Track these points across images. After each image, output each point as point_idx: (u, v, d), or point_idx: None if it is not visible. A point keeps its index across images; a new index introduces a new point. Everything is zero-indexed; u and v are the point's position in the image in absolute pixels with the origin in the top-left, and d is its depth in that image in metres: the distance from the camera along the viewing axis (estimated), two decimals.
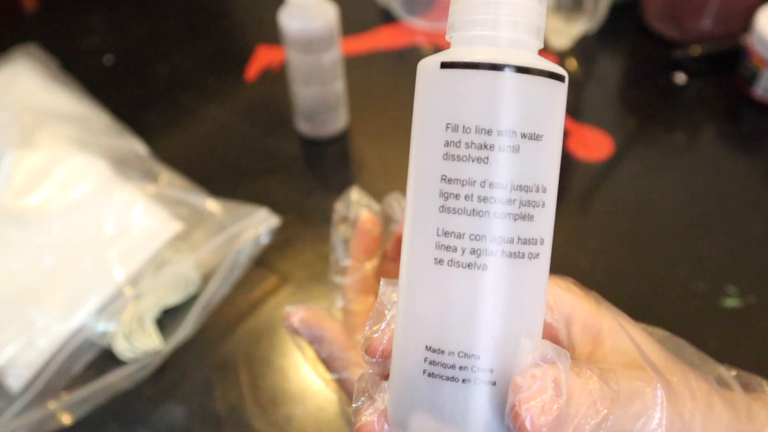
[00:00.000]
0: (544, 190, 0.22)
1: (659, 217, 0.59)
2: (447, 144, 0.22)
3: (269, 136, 0.67)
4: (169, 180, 0.59)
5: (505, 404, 0.22)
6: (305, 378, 0.50)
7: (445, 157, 0.22)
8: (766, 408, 0.30)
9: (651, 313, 0.52)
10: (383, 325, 0.25)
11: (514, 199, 0.22)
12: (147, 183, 0.57)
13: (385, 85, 0.71)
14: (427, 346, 0.23)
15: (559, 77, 0.23)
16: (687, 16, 0.72)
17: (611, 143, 0.65)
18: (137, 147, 0.64)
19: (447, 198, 0.22)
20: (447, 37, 0.24)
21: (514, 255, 0.22)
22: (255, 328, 0.53)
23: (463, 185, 0.22)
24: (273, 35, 0.71)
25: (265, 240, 0.55)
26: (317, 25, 0.57)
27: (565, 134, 0.66)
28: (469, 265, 0.22)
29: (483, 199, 0.22)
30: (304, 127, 0.66)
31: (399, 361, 0.24)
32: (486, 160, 0.22)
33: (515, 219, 0.22)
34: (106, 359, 0.51)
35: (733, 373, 0.32)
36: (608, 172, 0.63)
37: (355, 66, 0.70)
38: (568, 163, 0.63)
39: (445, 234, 0.22)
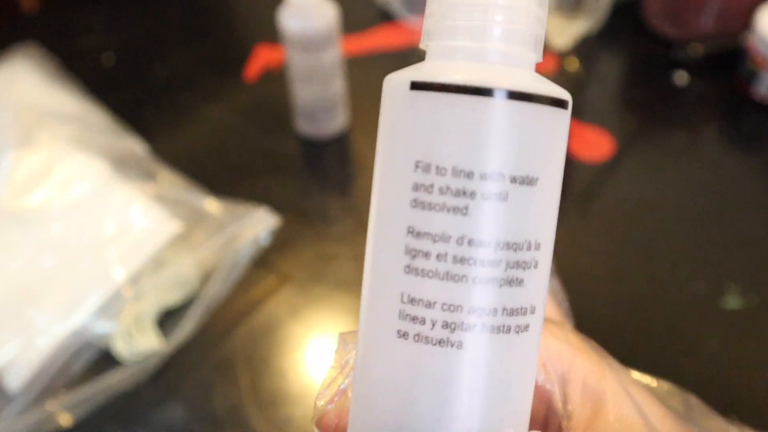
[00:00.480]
0: (538, 247, 0.18)
1: (660, 217, 0.59)
2: (416, 188, 0.17)
3: (269, 136, 0.67)
4: (169, 180, 0.59)
5: None
6: (305, 379, 0.50)
7: (413, 204, 0.17)
8: None
9: (651, 313, 0.52)
10: (336, 395, 0.21)
11: (500, 260, 0.17)
12: (146, 183, 0.57)
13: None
14: None
15: (562, 104, 0.18)
16: (688, 15, 0.72)
17: (612, 143, 0.65)
18: (137, 147, 0.63)
19: (414, 256, 0.17)
20: (422, 45, 0.20)
21: (497, 329, 0.18)
22: (254, 329, 0.53)
23: (435, 241, 0.17)
24: (273, 35, 0.70)
25: (264, 240, 0.55)
26: (317, 24, 0.57)
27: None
28: (440, 342, 0.17)
29: (460, 260, 0.17)
30: (303, 126, 0.65)
31: None
32: (465, 211, 0.17)
33: (500, 285, 0.17)
34: (106, 360, 0.51)
35: None
36: (609, 171, 0.63)
37: (355, 66, 0.70)
38: (568, 163, 0.63)
39: (411, 301, 0.18)
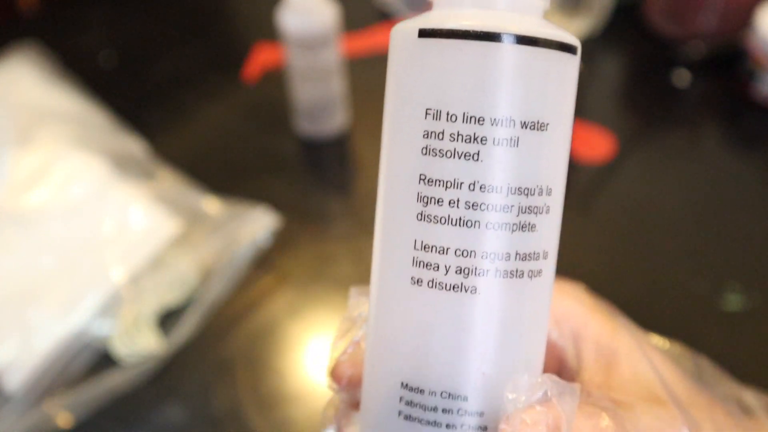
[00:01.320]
0: (549, 192, 0.19)
1: (660, 217, 0.59)
2: (427, 135, 0.17)
3: (269, 135, 0.67)
4: (168, 180, 0.59)
5: None
6: (304, 379, 0.50)
7: (424, 151, 0.17)
8: None
9: (652, 314, 0.52)
10: (351, 346, 0.22)
11: (512, 205, 0.17)
12: (146, 183, 0.57)
13: (385, 85, 0.71)
14: (403, 384, 0.18)
15: (570, 49, 0.18)
16: (689, 14, 0.72)
17: (613, 143, 0.65)
18: (136, 146, 0.63)
19: (427, 203, 0.17)
20: None
21: (510, 274, 0.18)
22: (254, 329, 0.53)
23: (447, 188, 0.17)
24: (272, 34, 0.70)
25: (264, 240, 0.55)
26: (316, 23, 0.57)
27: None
28: (454, 287, 0.18)
29: (473, 206, 0.17)
30: (303, 125, 0.65)
31: (370, 397, 0.19)
32: (476, 157, 0.17)
33: (513, 230, 0.18)
34: (105, 360, 0.50)
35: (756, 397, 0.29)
36: (610, 171, 0.63)
37: (355, 66, 0.70)
38: (569, 163, 0.63)
39: (425, 248, 0.18)
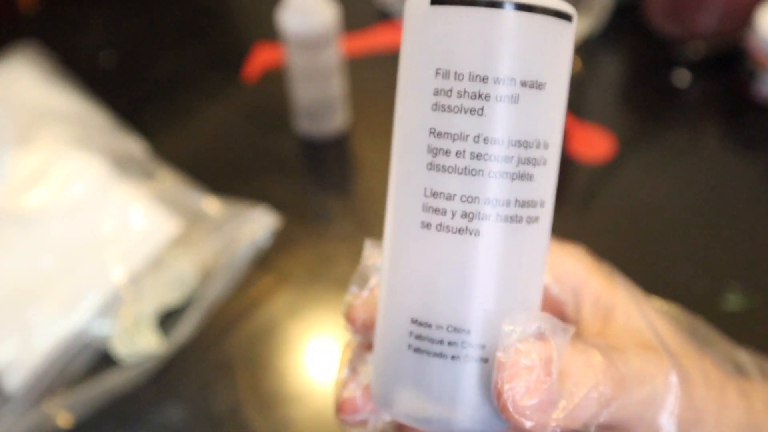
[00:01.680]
0: (546, 146, 0.20)
1: (660, 217, 0.59)
2: (437, 93, 0.20)
3: (269, 135, 0.67)
4: (168, 180, 0.59)
5: None
6: (304, 379, 0.50)
7: (434, 107, 0.20)
8: None
9: None
10: (365, 291, 0.24)
11: (512, 156, 0.19)
12: (146, 183, 0.57)
13: (385, 84, 0.71)
14: (412, 319, 0.20)
15: (565, 16, 0.20)
16: (689, 13, 0.72)
17: (613, 143, 0.65)
18: (136, 146, 0.63)
19: (436, 154, 0.20)
20: None
21: (510, 219, 0.20)
22: (254, 329, 0.53)
23: (454, 140, 0.19)
24: (272, 34, 0.70)
25: (264, 240, 0.55)
26: (316, 23, 0.57)
27: (567, 134, 0.66)
28: (460, 230, 0.20)
29: (477, 156, 0.19)
30: (303, 125, 0.65)
31: (382, 333, 0.22)
32: (481, 112, 0.19)
33: (513, 178, 0.20)
34: (105, 360, 0.50)
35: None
36: (610, 171, 0.63)
37: (355, 66, 0.70)
38: (569, 163, 0.63)
39: (434, 195, 0.20)
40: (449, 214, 0.20)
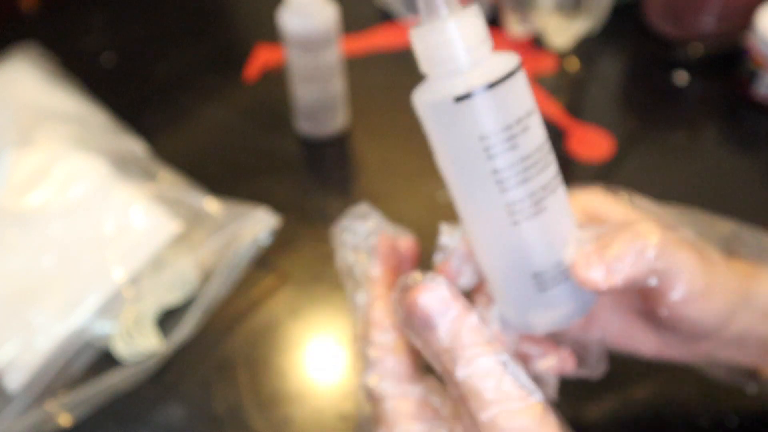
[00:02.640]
0: (544, 148, 0.30)
1: None
2: (485, 151, 0.28)
3: (269, 135, 0.67)
4: (169, 180, 0.59)
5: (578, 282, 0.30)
6: (304, 379, 0.50)
7: (487, 158, 0.29)
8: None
9: None
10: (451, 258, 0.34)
11: (538, 161, 0.29)
12: (146, 183, 0.57)
13: (385, 85, 0.71)
14: (534, 273, 0.31)
15: (519, 66, 0.28)
16: (688, 15, 0.72)
17: (612, 143, 0.65)
18: (136, 147, 0.63)
19: (501, 183, 0.30)
20: (424, 71, 0.30)
21: (552, 190, 0.30)
22: (254, 329, 0.53)
23: (508, 168, 0.29)
24: (273, 34, 0.70)
25: (264, 240, 0.55)
26: (317, 23, 0.57)
27: (566, 134, 0.66)
28: (536, 213, 0.29)
29: (524, 170, 0.29)
30: (304, 126, 0.65)
31: (509, 286, 0.31)
32: (516, 146, 0.29)
33: (542, 169, 0.29)
34: (106, 360, 0.51)
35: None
36: (609, 172, 0.63)
37: (355, 66, 0.70)
38: (568, 163, 0.63)
39: (511, 205, 0.30)
40: (526, 211, 0.29)
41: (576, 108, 0.69)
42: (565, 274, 0.30)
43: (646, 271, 0.30)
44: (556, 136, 0.66)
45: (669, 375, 0.48)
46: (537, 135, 0.29)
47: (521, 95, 0.28)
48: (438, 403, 0.32)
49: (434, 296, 0.28)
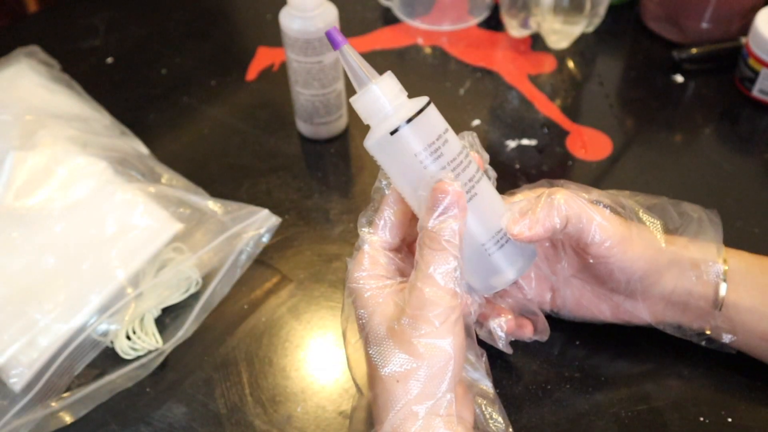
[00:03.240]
0: (466, 156, 0.39)
1: None
2: (420, 161, 0.38)
3: (269, 136, 0.68)
4: (170, 180, 0.59)
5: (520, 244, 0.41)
6: (306, 377, 0.50)
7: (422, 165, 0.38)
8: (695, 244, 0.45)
9: None
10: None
11: (461, 160, 0.38)
12: (148, 183, 0.57)
13: None
14: (481, 243, 0.40)
15: (429, 103, 0.38)
16: (685, 19, 0.73)
17: (610, 143, 0.65)
18: (138, 147, 0.64)
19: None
20: (368, 123, 0.39)
21: (478, 180, 0.39)
22: (256, 328, 0.53)
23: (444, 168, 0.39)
24: (273, 36, 0.71)
25: (265, 240, 0.55)
26: (318, 26, 0.57)
27: (565, 134, 0.66)
28: (473, 196, 0.39)
29: (456, 167, 0.38)
30: (304, 127, 0.66)
31: (469, 259, 0.40)
32: (441, 154, 0.38)
33: (467, 167, 0.39)
34: (107, 358, 0.51)
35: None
36: (607, 171, 0.63)
37: None
38: (567, 162, 0.64)
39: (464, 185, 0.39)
40: (468, 194, 0.39)
41: (575, 108, 0.69)
42: (505, 239, 0.40)
43: (562, 218, 0.40)
44: (556, 136, 0.66)
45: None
46: (455, 143, 0.38)
47: (435, 121, 0.38)
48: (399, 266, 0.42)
49: (455, 193, 0.37)
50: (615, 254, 0.42)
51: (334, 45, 0.38)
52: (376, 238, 0.41)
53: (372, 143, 0.38)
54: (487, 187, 0.40)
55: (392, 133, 0.37)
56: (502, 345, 0.45)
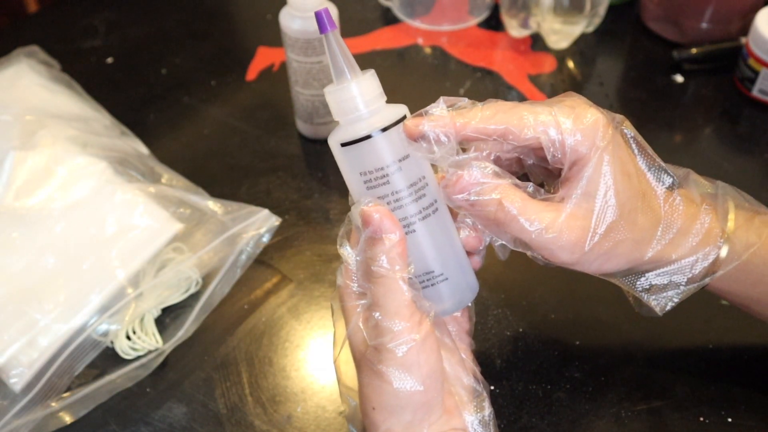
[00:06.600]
0: (424, 179, 0.36)
1: None
2: (366, 182, 0.36)
3: (269, 136, 0.68)
4: (170, 180, 0.59)
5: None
6: (306, 377, 0.50)
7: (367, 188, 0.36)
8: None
9: None
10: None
11: (412, 191, 0.35)
12: (148, 183, 0.57)
13: (384, 85, 0.71)
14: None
15: (404, 117, 0.35)
16: (685, 19, 0.73)
17: None
18: (138, 147, 0.64)
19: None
20: (336, 118, 0.36)
21: (425, 216, 0.36)
22: (256, 328, 0.53)
23: (383, 198, 0.36)
24: (273, 36, 0.71)
25: (265, 240, 0.55)
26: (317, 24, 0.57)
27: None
28: (409, 233, 0.36)
29: (396, 201, 0.36)
30: (304, 127, 0.66)
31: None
32: (387, 181, 0.35)
33: (417, 199, 0.36)
34: (108, 358, 0.51)
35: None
36: None
37: None
38: None
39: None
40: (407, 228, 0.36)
41: None
42: (431, 283, 0.37)
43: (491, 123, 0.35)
44: None
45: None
46: (415, 169, 0.35)
47: (399, 143, 0.35)
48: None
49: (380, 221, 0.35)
50: (569, 142, 0.35)
51: (322, 28, 0.35)
52: (352, 252, 0.38)
53: (332, 143, 0.36)
54: (432, 225, 0.36)
55: (350, 143, 0.35)
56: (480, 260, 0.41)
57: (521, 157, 0.38)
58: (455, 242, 0.38)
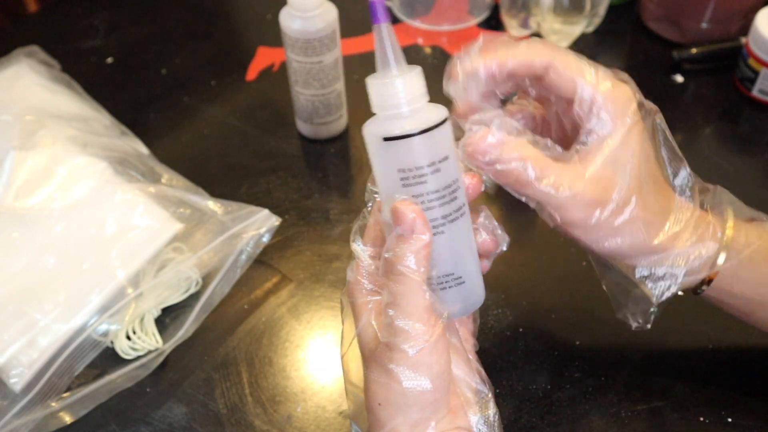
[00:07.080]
0: (456, 183, 0.35)
1: None
2: (402, 179, 0.35)
3: (269, 136, 0.68)
4: (170, 180, 0.59)
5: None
6: (306, 377, 0.50)
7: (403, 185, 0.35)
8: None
9: None
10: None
11: (445, 194, 0.35)
12: (148, 183, 0.57)
13: None
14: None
15: (445, 120, 0.34)
16: (685, 19, 0.73)
17: None
18: (138, 147, 0.64)
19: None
20: (374, 110, 0.35)
21: (452, 220, 0.36)
22: (256, 328, 0.53)
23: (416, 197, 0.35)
24: (273, 37, 0.71)
25: (265, 240, 0.55)
26: (318, 26, 0.57)
27: None
28: (438, 234, 0.35)
29: (429, 201, 0.35)
30: (304, 127, 0.66)
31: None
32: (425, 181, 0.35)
33: (448, 201, 0.35)
34: (107, 358, 0.51)
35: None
36: None
37: (355, 66, 0.70)
38: None
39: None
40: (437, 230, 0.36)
41: None
42: (449, 285, 0.37)
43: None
44: None
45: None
46: (450, 173, 0.35)
47: (439, 144, 0.35)
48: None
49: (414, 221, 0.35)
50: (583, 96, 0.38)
51: (374, 19, 0.34)
52: (366, 248, 0.38)
53: (371, 136, 0.35)
54: (458, 228, 0.36)
55: (394, 138, 0.34)
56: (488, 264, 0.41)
57: (545, 108, 0.40)
58: (473, 246, 0.38)
